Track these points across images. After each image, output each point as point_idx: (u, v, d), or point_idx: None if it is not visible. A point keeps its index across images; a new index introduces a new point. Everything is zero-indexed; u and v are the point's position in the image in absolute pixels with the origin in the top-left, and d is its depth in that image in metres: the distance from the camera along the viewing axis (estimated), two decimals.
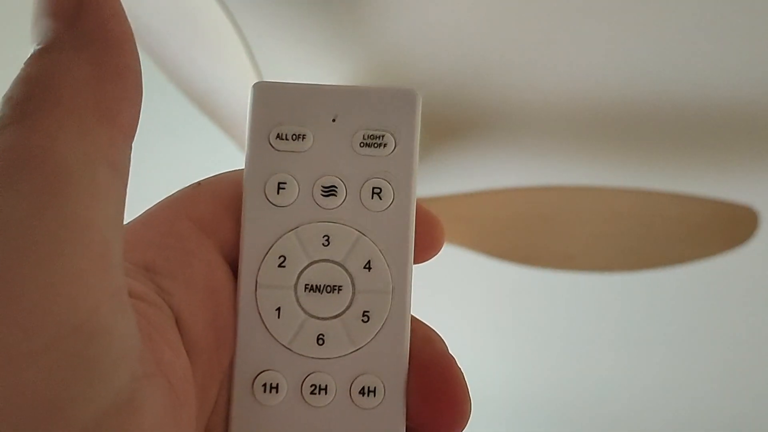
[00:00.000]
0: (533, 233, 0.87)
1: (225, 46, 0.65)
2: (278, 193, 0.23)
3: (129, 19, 0.19)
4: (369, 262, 0.24)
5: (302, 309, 0.23)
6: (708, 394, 1.22)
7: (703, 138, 0.93)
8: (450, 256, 0.95)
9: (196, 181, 0.24)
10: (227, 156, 0.74)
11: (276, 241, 0.23)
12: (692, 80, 0.87)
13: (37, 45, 0.18)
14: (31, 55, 0.18)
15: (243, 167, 0.24)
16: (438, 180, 0.94)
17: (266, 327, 0.23)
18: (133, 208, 0.23)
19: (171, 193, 0.24)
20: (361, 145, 0.24)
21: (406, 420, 0.23)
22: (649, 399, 1.23)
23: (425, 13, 0.82)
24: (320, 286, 0.23)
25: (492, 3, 0.80)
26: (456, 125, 0.92)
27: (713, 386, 1.21)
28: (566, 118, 0.91)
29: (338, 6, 0.81)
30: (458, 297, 1.12)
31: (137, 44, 0.19)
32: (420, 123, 0.24)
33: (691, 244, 0.89)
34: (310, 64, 0.85)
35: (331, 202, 0.24)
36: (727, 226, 0.87)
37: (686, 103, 0.89)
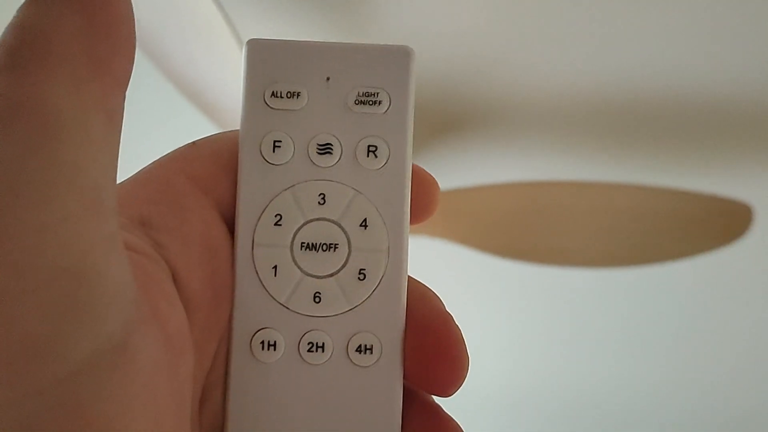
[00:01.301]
0: (529, 229, 0.87)
1: (217, 40, 0.65)
2: (274, 151, 0.23)
3: None
4: (365, 220, 0.24)
5: (298, 267, 0.23)
6: (703, 389, 1.22)
7: (697, 134, 0.94)
8: (445, 252, 0.95)
9: (191, 141, 0.24)
10: None
11: (272, 200, 0.23)
12: (687, 76, 0.88)
13: None
14: (24, 3, 0.18)
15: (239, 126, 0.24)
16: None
17: (263, 285, 0.23)
18: None
19: (166, 153, 0.24)
20: (356, 102, 0.24)
21: (403, 377, 0.23)
22: (644, 393, 1.23)
23: (421, 8, 0.82)
24: (316, 244, 0.23)
25: None
26: (451, 120, 0.92)
27: (709, 381, 1.21)
28: (562, 113, 0.91)
29: (333, 1, 0.81)
30: (453, 293, 1.12)
31: None
32: (415, 80, 0.24)
33: (686, 240, 0.89)
34: None
35: (326, 160, 0.24)
36: (722, 222, 0.87)
37: (681, 98, 0.90)
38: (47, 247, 0.16)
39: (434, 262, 1.02)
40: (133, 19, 0.19)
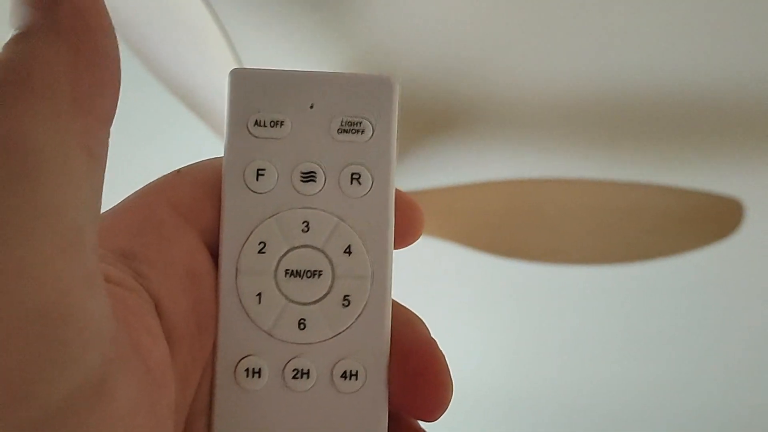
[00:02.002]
0: (522, 227, 0.87)
1: (207, 40, 0.65)
2: (257, 179, 0.24)
3: (111, 15, 0.19)
4: (348, 247, 0.24)
5: (283, 294, 0.23)
6: (698, 385, 1.22)
7: (688, 131, 0.94)
8: (437, 250, 0.95)
9: (175, 169, 0.24)
10: (212, 151, 0.74)
11: (256, 228, 0.24)
12: (678, 74, 0.88)
13: (15, 30, 0.18)
14: (8, 41, 0.18)
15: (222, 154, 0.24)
16: (426, 173, 0.95)
17: (247, 313, 0.23)
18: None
19: (150, 181, 0.24)
20: (339, 131, 0.24)
21: (389, 403, 0.24)
22: (639, 390, 1.24)
23: (410, 6, 0.82)
24: (300, 271, 0.24)
25: None
26: (443, 118, 0.92)
27: (704, 377, 1.21)
28: (554, 110, 0.91)
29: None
30: (445, 291, 1.12)
31: (120, 40, 0.19)
32: (397, 109, 0.24)
33: (678, 237, 0.89)
34: (293, 58, 0.85)
35: (310, 188, 0.24)
36: (713, 218, 0.88)
37: (672, 96, 0.90)
38: (24, 290, 0.16)
39: (427, 260, 1.02)
40: (119, 56, 0.19)
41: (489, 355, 1.20)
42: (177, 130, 0.90)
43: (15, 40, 0.18)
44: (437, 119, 0.92)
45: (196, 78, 0.70)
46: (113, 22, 0.19)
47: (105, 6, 0.19)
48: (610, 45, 0.85)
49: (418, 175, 0.95)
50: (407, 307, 0.25)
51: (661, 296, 1.11)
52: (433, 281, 1.09)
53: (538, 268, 0.94)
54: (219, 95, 0.70)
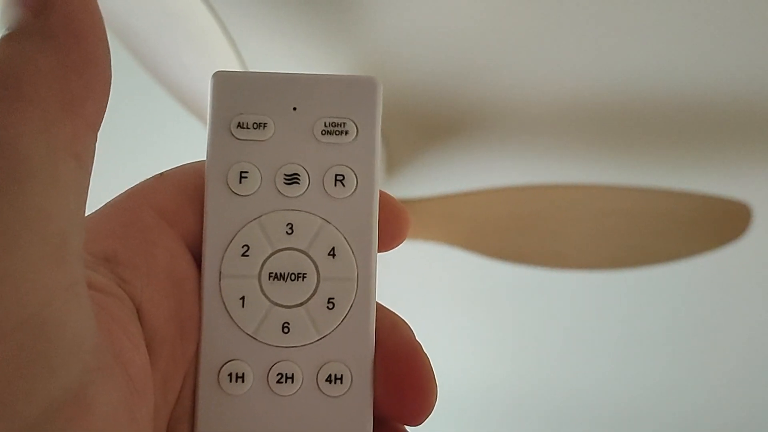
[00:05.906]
0: (525, 232, 0.87)
1: (210, 44, 0.65)
2: (240, 182, 0.23)
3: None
4: (333, 249, 0.24)
5: (267, 297, 0.23)
6: (702, 391, 1.22)
7: (694, 134, 0.93)
8: (442, 256, 0.95)
9: (158, 172, 0.24)
10: None
11: (239, 231, 0.23)
12: (682, 77, 0.87)
13: (5, 30, 0.18)
14: None
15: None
16: (429, 180, 0.94)
17: (231, 316, 0.23)
18: None
19: (133, 185, 0.24)
20: (323, 132, 0.24)
21: (373, 407, 0.23)
22: (643, 396, 1.23)
23: (414, 11, 0.82)
24: (284, 274, 0.23)
25: (480, 1, 0.80)
26: (446, 124, 0.92)
27: (707, 383, 1.20)
28: (557, 116, 0.91)
29: (326, 4, 0.81)
30: (450, 297, 1.12)
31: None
32: (381, 110, 0.24)
33: (683, 241, 0.89)
34: (297, 61, 0.86)
35: (294, 190, 0.24)
36: (720, 222, 0.87)
37: (677, 99, 0.89)
38: (5, 299, 0.16)
39: (431, 265, 1.02)
40: (109, 60, 0.19)
41: (492, 359, 1.20)
42: (179, 133, 0.90)
43: (4, 42, 0.18)
44: (440, 126, 0.92)
45: (199, 82, 0.70)
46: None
47: (98, 11, 0.19)
48: (614, 48, 0.85)
49: (420, 182, 0.94)
50: (393, 310, 0.25)
51: (666, 301, 1.10)
52: (436, 286, 1.09)
53: (543, 274, 0.93)
54: None
